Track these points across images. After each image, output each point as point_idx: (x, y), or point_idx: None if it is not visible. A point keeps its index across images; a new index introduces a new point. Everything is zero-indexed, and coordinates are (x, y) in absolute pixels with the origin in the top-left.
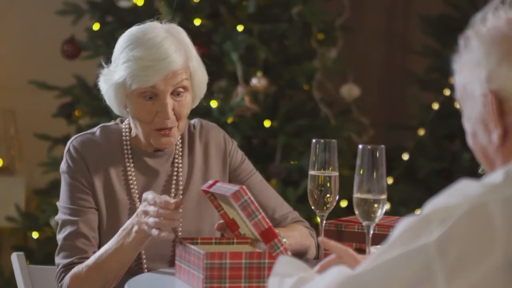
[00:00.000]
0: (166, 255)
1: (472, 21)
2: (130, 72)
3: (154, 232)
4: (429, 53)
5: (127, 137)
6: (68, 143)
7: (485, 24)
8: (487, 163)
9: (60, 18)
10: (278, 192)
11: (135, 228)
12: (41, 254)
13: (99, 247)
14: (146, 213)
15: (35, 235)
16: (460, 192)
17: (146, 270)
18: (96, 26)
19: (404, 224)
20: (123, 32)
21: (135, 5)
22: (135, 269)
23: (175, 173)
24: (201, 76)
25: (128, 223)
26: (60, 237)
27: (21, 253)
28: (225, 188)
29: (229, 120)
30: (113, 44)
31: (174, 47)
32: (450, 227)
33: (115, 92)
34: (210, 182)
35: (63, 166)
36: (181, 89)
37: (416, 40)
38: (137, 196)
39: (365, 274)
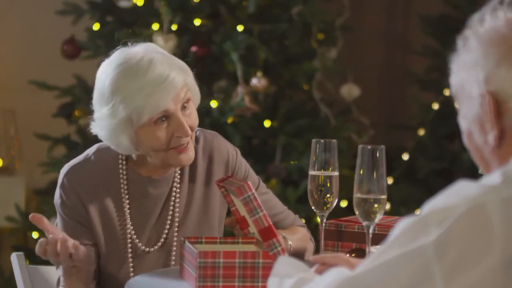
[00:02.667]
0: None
1: (470, 22)
2: (135, 107)
3: (78, 257)
4: (429, 53)
5: (124, 164)
6: (62, 174)
7: (483, 24)
8: (482, 163)
9: (60, 18)
10: (278, 192)
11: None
12: None
13: (98, 279)
14: (55, 262)
15: (35, 235)
16: (458, 193)
17: None
18: (96, 26)
19: (402, 225)
20: (123, 32)
21: (135, 5)
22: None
23: (173, 198)
24: (194, 83)
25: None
26: (58, 273)
27: (21, 253)
28: (233, 183)
29: (229, 120)
30: (113, 44)
31: (165, 65)
32: (448, 227)
33: (121, 132)
34: (225, 176)
35: (57, 199)
36: (186, 103)
37: (416, 40)
38: (130, 224)
39: (364, 275)
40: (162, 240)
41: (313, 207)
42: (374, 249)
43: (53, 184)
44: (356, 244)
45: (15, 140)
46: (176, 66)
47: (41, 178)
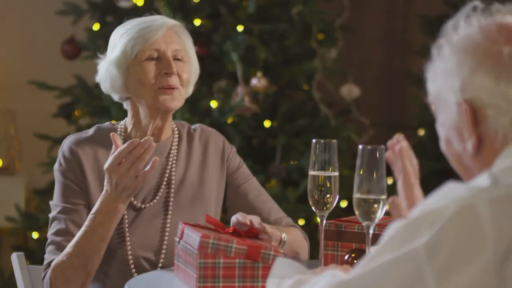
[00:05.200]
0: (152, 244)
1: (444, 29)
2: (130, 39)
3: (142, 180)
4: (429, 54)
5: (122, 133)
6: (62, 143)
7: (457, 31)
8: (462, 170)
9: (60, 18)
10: (278, 193)
11: (114, 204)
12: (41, 254)
13: None
14: (120, 177)
15: (35, 235)
16: (448, 195)
17: (130, 257)
18: (96, 26)
19: (393, 228)
20: None
21: (135, 5)
22: (120, 255)
23: (169, 167)
24: (194, 61)
25: (101, 202)
26: (49, 234)
27: (21, 253)
28: (192, 239)
29: (229, 120)
30: None
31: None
32: (438, 230)
33: (117, 66)
34: (180, 227)
35: (56, 165)
36: (180, 58)
37: (416, 40)
38: None
39: (358, 279)
40: (158, 197)
41: (313, 207)
42: (374, 249)
43: (53, 184)
44: (356, 244)
45: (15, 140)
46: (183, 30)
47: (41, 178)
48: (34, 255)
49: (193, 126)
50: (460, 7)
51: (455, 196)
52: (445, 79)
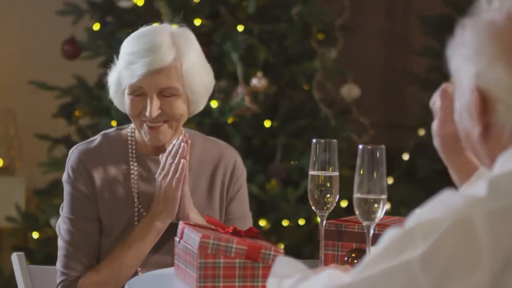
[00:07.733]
0: (162, 262)
1: (477, 3)
2: (120, 70)
3: (176, 188)
4: (429, 54)
5: (133, 141)
6: (70, 152)
7: (490, 8)
8: (470, 147)
9: (60, 18)
10: (278, 193)
11: (153, 222)
12: (41, 254)
13: (101, 253)
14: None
15: (35, 235)
16: (444, 205)
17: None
18: (96, 26)
19: (389, 236)
20: (123, 32)
21: (135, 5)
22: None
23: None
24: (199, 81)
25: (143, 218)
26: (60, 245)
27: (21, 253)
28: (192, 239)
29: (229, 120)
30: (113, 44)
31: (168, 42)
32: (434, 242)
33: (116, 91)
34: (180, 227)
35: (64, 175)
36: (167, 95)
37: (416, 40)
38: (137, 200)
39: (351, 287)
40: None
41: (313, 207)
42: (374, 249)
43: (53, 184)
44: (356, 244)
45: (15, 140)
46: (177, 53)
47: (41, 178)
48: (34, 255)
49: (210, 137)
50: (460, 7)
51: (451, 207)
52: (462, 62)
